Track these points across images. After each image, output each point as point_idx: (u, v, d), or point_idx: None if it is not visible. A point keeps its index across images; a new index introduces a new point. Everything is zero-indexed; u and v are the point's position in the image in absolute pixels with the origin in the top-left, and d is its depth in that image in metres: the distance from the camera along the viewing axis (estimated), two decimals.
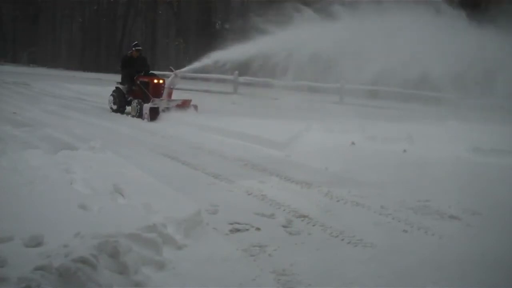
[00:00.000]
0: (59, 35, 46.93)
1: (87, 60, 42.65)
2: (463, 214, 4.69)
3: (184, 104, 10.93)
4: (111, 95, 12.33)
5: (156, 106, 10.59)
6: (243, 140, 8.30)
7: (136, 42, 13.08)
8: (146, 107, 10.62)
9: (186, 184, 5.42)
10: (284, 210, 4.66)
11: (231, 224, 4.20)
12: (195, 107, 11.11)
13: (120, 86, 12.19)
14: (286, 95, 16.56)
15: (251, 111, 12.49)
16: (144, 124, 10.47)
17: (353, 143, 7.38)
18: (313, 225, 4.27)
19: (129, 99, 11.85)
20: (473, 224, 4.43)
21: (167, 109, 10.63)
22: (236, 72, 17.67)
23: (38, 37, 44.70)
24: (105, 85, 20.13)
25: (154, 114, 10.44)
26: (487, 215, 4.65)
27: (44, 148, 6.56)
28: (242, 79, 17.68)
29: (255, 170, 6.40)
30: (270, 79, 17.26)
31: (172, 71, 11.33)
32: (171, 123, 9.94)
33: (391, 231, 4.20)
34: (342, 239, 3.96)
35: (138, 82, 11.73)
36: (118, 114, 12.04)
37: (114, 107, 12.11)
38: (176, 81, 11.46)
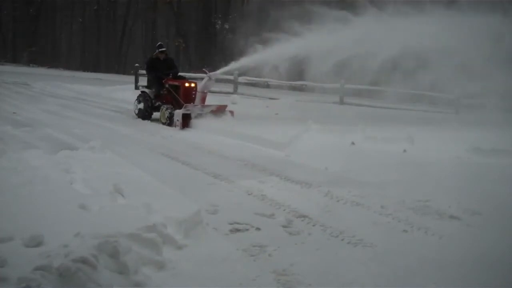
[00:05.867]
0: (59, 35, 46.92)
1: (87, 60, 42.69)
2: (463, 214, 4.69)
3: (219, 110, 10.04)
4: (136, 100, 11.27)
5: (188, 112, 9.70)
6: (243, 140, 8.32)
7: (160, 43, 11.84)
8: (178, 113, 9.68)
9: (186, 184, 5.43)
10: (284, 210, 4.66)
11: (231, 224, 4.20)
12: (231, 112, 10.17)
13: (147, 91, 11.15)
14: (286, 95, 16.60)
15: (251, 111, 12.48)
16: (142, 124, 10.47)
17: (353, 143, 7.37)
18: (313, 225, 4.27)
19: (157, 104, 10.83)
20: (473, 224, 4.42)
21: (200, 115, 9.76)
22: (236, 72, 17.66)
23: (38, 37, 44.68)
24: (105, 85, 20.18)
25: (186, 121, 9.61)
26: (487, 215, 4.65)
27: (44, 148, 6.56)
28: (242, 79, 17.67)
29: (255, 170, 6.40)
30: (270, 79, 17.28)
31: (205, 73, 10.42)
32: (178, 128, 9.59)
33: (391, 231, 4.20)
34: (342, 239, 3.96)
35: (167, 85, 10.69)
36: (118, 114, 12.03)
37: (140, 113, 11.01)
38: (210, 85, 10.46)
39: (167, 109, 10.17)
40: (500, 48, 6.73)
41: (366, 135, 7.62)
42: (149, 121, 10.84)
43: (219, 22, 34.13)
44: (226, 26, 32.93)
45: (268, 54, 9.23)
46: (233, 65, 10.39)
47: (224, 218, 4.32)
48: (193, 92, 10.42)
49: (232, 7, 34.70)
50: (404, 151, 7.02)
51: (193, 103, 10.17)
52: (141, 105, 11.01)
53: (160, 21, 39.04)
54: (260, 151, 7.62)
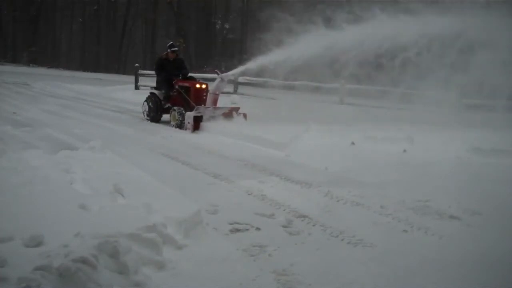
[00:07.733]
0: (59, 35, 46.98)
1: (87, 60, 42.76)
2: (463, 214, 4.69)
3: (231, 112, 9.81)
4: (145, 101, 10.99)
5: (200, 114, 9.42)
6: (243, 140, 8.32)
7: (171, 42, 11.43)
8: (189, 115, 9.39)
9: (186, 184, 5.43)
10: (284, 210, 4.66)
11: (231, 224, 4.20)
12: (244, 115, 9.89)
13: (156, 92, 10.86)
14: (286, 95, 16.58)
15: (251, 111, 12.46)
16: (142, 124, 10.46)
17: (353, 143, 7.38)
18: (313, 225, 4.27)
19: (166, 106, 10.60)
20: (473, 224, 4.42)
21: (212, 118, 9.50)
22: None
23: (38, 37, 44.74)
24: (105, 85, 20.21)
25: (197, 123, 9.37)
26: (487, 215, 4.65)
27: (44, 148, 6.56)
28: (241, 79, 17.65)
29: (255, 170, 6.40)
30: (269, 79, 17.24)
31: (217, 74, 10.05)
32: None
33: (391, 231, 4.20)
34: (342, 239, 3.96)
35: (177, 87, 10.40)
36: (118, 114, 12.03)
37: (149, 115, 10.83)
38: (222, 86, 10.12)
39: (177, 111, 9.91)
40: (500, 47, 6.72)
41: (366, 135, 7.62)
42: (149, 121, 10.80)
43: (219, 22, 34.16)
44: (226, 26, 32.96)
45: (277, 56, 9.12)
46: (243, 67, 10.08)
47: (224, 218, 4.32)
48: (204, 94, 10.16)
49: (232, 7, 34.73)
50: (404, 151, 7.02)
51: (204, 105, 9.92)
52: (150, 107, 10.82)
53: (160, 21, 39.09)
54: (260, 151, 7.62)
